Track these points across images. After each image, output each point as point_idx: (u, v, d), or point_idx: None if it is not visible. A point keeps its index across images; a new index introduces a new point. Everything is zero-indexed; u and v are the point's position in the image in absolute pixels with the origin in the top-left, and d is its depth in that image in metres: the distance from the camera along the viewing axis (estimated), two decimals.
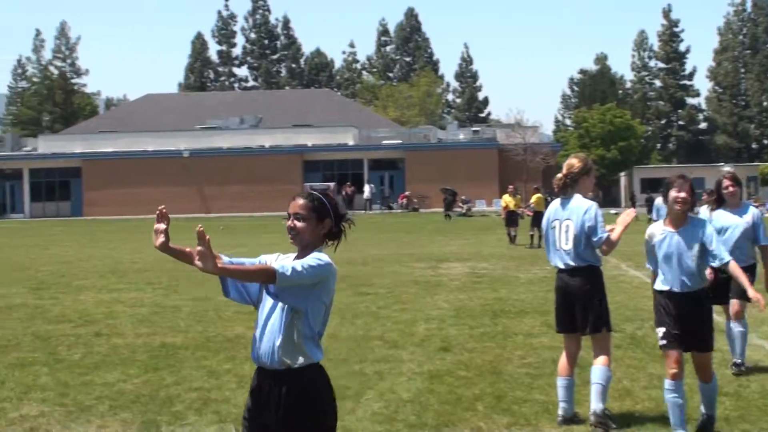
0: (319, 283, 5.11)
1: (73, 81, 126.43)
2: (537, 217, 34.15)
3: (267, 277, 4.80)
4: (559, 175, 8.73)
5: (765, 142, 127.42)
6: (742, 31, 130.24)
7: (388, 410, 9.20)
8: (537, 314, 15.23)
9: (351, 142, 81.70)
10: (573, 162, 8.75)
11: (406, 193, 75.89)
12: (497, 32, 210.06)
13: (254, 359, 5.13)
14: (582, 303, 8.46)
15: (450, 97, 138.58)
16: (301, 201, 5.36)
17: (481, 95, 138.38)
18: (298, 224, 5.23)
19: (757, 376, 10.50)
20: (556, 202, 8.78)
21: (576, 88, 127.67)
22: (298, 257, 5.07)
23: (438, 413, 9.07)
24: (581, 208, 8.44)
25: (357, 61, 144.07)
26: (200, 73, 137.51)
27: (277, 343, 4.99)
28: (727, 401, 9.35)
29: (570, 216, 8.49)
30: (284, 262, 5.06)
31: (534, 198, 35.38)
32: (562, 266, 8.61)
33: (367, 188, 72.76)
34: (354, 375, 10.85)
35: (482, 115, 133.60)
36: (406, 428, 8.61)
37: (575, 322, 8.58)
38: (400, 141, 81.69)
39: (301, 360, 5.02)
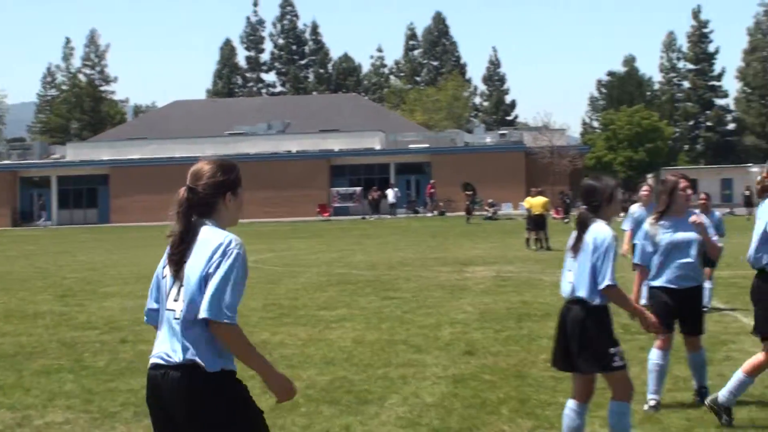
0: None
1: (101, 89, 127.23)
2: (536, 221, 33.89)
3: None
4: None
5: None
6: None
7: (412, 414, 9.20)
8: None
9: (378, 147, 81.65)
10: None
11: (432, 181, 75.16)
12: (525, 35, 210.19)
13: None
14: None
15: (477, 100, 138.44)
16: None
17: (508, 98, 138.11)
18: None
19: None
20: None
21: (604, 90, 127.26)
22: None
23: (462, 417, 9.07)
24: None
25: (384, 66, 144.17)
26: (228, 79, 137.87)
27: None
28: (752, 404, 9.31)
29: None
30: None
31: (535, 201, 34.75)
32: None
33: (390, 192, 72.59)
34: (378, 379, 10.86)
35: (509, 118, 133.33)
36: None
37: None
38: (427, 145, 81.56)
39: None
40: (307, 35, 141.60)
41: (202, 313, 4.67)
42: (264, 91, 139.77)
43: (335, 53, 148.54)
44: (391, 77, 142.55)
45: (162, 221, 55.33)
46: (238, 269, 4.78)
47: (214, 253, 4.78)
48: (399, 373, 11.18)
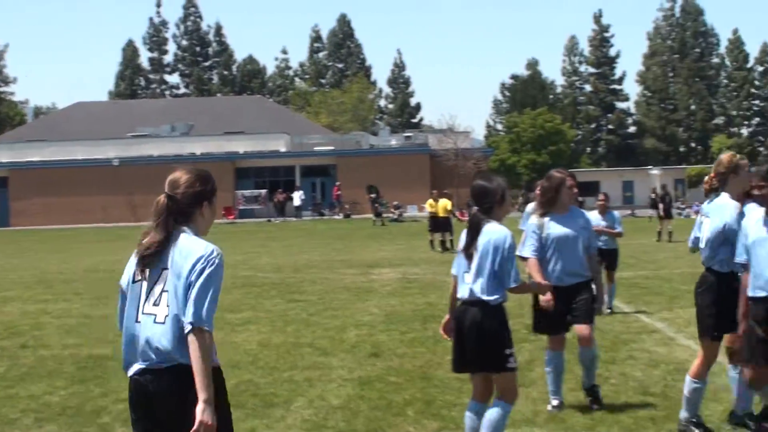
0: None
1: (0, 90, 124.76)
2: (440, 223, 34.13)
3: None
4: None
5: (692, 145, 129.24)
6: (671, 35, 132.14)
7: (317, 417, 9.18)
8: None
9: (283, 149, 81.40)
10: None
11: (337, 184, 75.16)
12: (429, 38, 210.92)
13: None
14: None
15: (382, 102, 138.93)
16: None
17: (413, 101, 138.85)
18: None
19: (683, 375, 10.59)
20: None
21: (507, 93, 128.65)
22: None
23: (368, 419, 9.07)
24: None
25: (289, 68, 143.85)
26: (131, 80, 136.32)
27: None
28: (653, 401, 9.47)
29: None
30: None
31: (438, 203, 35.04)
32: None
33: (296, 195, 72.41)
34: (284, 382, 10.82)
35: (414, 120, 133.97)
36: None
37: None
38: (332, 147, 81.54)
39: None
40: (211, 36, 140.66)
41: (188, 318, 4.80)
42: (167, 92, 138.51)
43: (240, 55, 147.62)
44: (296, 79, 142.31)
45: (63, 224, 53.93)
46: (218, 279, 4.96)
47: (197, 262, 4.92)
48: (305, 375, 11.15)
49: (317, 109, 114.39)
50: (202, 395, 4.71)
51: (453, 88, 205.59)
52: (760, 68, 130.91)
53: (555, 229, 9.35)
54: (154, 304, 4.98)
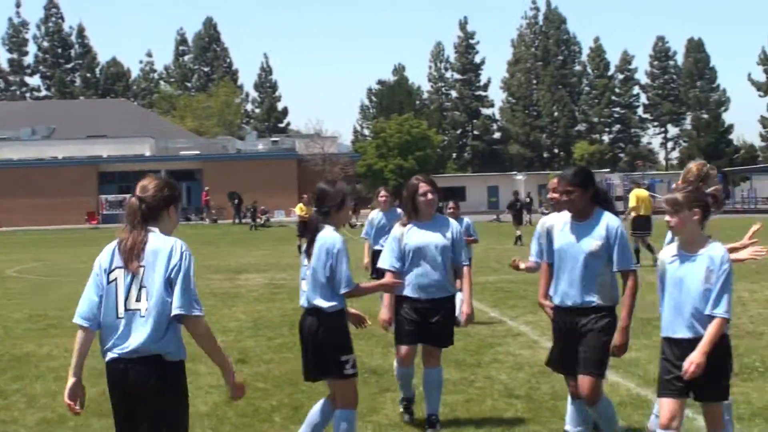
0: None
1: None
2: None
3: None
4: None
5: (556, 151, 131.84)
6: (534, 43, 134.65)
7: None
8: None
9: (148, 153, 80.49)
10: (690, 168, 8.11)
11: (206, 189, 74.55)
12: (296, 42, 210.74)
13: None
14: None
15: (249, 107, 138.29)
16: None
17: (280, 105, 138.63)
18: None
19: (548, 377, 10.79)
20: None
21: (374, 99, 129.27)
22: None
23: (235, 426, 9.02)
24: None
25: (154, 71, 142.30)
26: None
27: None
28: (518, 404, 9.61)
29: None
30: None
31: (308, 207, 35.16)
32: None
33: None
34: None
35: (281, 125, 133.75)
36: None
37: None
38: (198, 152, 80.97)
39: None
40: (73, 38, 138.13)
41: (176, 310, 5.38)
42: (28, 95, 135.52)
43: (103, 57, 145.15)
44: (161, 83, 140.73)
45: None
46: (192, 268, 5.54)
47: (171, 257, 5.47)
48: None
49: (183, 113, 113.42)
50: (225, 366, 5.63)
51: (320, 93, 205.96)
52: (621, 76, 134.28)
53: (414, 238, 8.75)
54: (136, 300, 5.45)
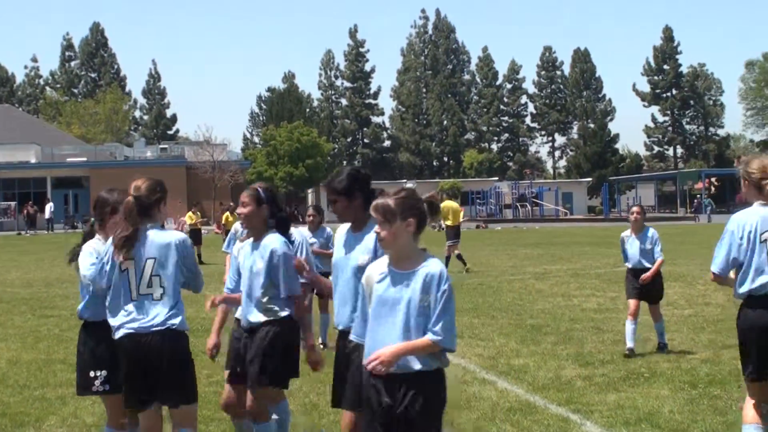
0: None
1: None
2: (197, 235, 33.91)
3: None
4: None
5: (445, 159, 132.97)
6: (424, 52, 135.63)
7: None
8: None
9: (33, 160, 79.08)
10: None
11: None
12: (186, 48, 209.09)
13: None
14: None
15: (138, 113, 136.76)
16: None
17: (169, 112, 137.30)
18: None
19: None
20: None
21: (264, 106, 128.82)
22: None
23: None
24: None
25: (40, 77, 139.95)
26: None
27: None
28: None
29: None
30: None
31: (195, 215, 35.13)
32: None
33: (47, 207, 70.50)
34: (36, 401, 10.48)
35: (171, 132, 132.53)
36: None
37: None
38: (85, 158, 79.81)
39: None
40: None
41: (199, 288, 7.04)
42: None
43: None
44: (47, 88, 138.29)
45: None
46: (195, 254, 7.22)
47: (176, 247, 6.71)
48: (57, 393, 10.82)
49: (69, 119, 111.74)
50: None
51: (210, 100, 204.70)
52: (509, 85, 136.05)
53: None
54: (148, 287, 6.64)
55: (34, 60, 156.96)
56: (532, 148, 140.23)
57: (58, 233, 65.56)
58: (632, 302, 12.83)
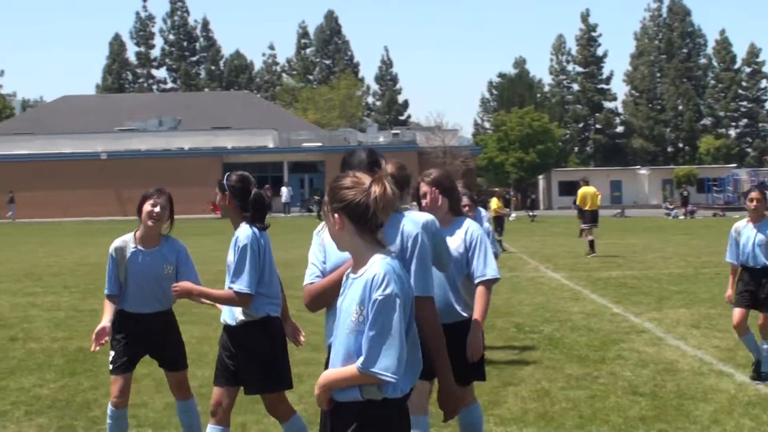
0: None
1: None
2: None
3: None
4: None
5: (680, 145, 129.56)
6: (658, 36, 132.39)
7: None
8: None
9: (271, 145, 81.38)
10: None
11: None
12: (417, 35, 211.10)
13: None
14: None
15: (370, 99, 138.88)
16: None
17: (401, 98, 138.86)
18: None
19: (673, 375, 10.65)
20: None
21: (495, 92, 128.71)
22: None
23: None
24: None
25: (277, 64, 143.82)
26: (118, 74, 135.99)
27: None
28: (642, 401, 9.48)
29: None
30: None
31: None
32: None
33: (284, 191, 72.55)
34: None
35: (402, 117, 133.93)
36: None
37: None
38: (320, 144, 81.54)
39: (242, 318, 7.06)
40: (198, 31, 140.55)
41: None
42: (155, 87, 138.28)
43: (227, 50, 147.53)
44: (284, 75, 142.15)
45: (51, 217, 53.60)
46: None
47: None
48: (295, 371, 11.08)
49: (305, 105, 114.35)
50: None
51: (441, 86, 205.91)
52: (748, 69, 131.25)
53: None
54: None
55: (272, 48, 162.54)
56: None
57: (294, 216, 67.40)
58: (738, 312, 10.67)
